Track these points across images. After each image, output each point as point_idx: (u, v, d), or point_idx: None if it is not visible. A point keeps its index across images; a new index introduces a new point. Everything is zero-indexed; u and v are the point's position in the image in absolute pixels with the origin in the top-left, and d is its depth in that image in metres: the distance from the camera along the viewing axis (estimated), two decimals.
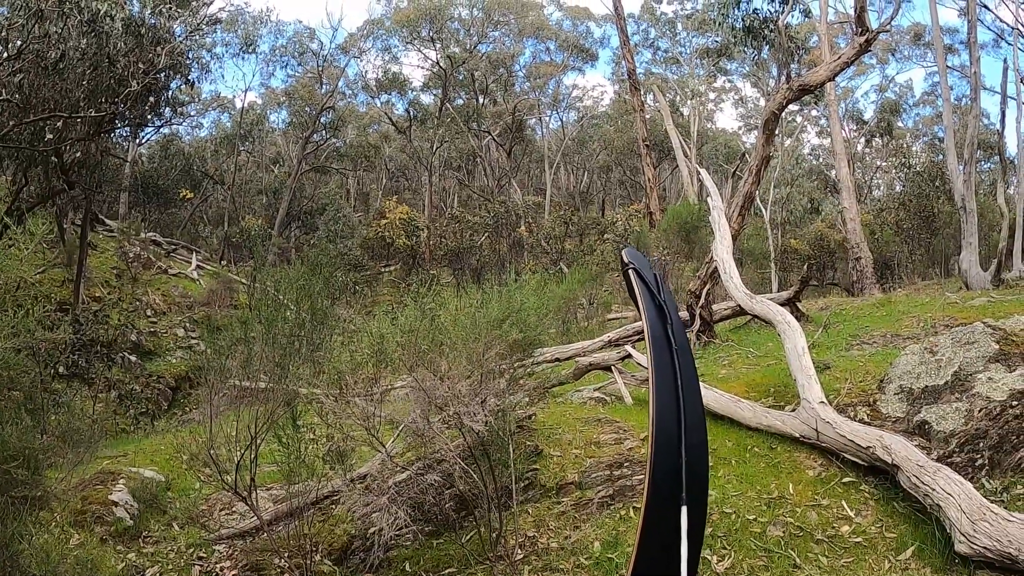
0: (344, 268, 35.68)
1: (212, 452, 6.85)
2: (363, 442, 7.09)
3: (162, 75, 20.74)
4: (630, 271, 2.97)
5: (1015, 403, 7.68)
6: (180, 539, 8.17)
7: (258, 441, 7.01)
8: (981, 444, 7.57)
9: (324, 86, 52.26)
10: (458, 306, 7.53)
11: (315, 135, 50.95)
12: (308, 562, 6.84)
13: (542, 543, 7.03)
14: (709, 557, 6.53)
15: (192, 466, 7.25)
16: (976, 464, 7.50)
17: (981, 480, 7.31)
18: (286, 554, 6.93)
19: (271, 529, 7.40)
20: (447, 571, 6.81)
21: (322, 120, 50.45)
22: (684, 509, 2.35)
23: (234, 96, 58.01)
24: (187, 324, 25.46)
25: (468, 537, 7.10)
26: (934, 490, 6.43)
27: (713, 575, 6.33)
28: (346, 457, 7.03)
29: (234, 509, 8.70)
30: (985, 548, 5.79)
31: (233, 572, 7.29)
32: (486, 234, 43.88)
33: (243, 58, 47.96)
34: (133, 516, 8.52)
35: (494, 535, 6.75)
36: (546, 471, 8.01)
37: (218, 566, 7.51)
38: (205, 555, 7.76)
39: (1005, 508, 6.29)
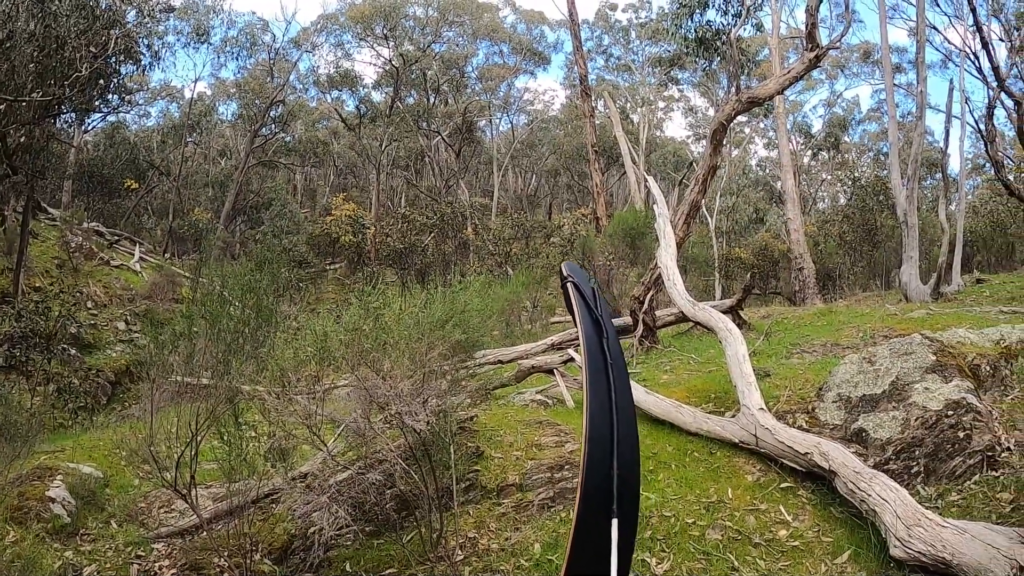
0: (289, 264, 35.42)
1: (152, 448, 6.79)
2: (305, 441, 7.05)
3: (112, 60, 20.45)
4: (568, 284, 3.00)
5: (950, 413, 7.85)
6: (118, 537, 8.07)
7: (199, 438, 6.95)
8: (917, 452, 7.75)
9: (275, 79, 51.77)
10: (402, 306, 7.51)
11: (264, 129, 50.44)
12: (248, 561, 6.78)
13: (483, 544, 7.04)
14: (648, 560, 6.58)
15: (131, 462, 7.20)
16: (912, 471, 7.66)
17: (917, 487, 7.48)
18: (226, 553, 6.87)
19: (211, 528, 7.33)
20: (388, 571, 6.78)
21: (272, 114, 50.00)
22: (615, 523, 2.38)
23: (183, 86, 57.27)
24: (128, 317, 25.08)
25: (409, 537, 7.07)
26: (870, 496, 6.57)
27: None
28: (288, 455, 6.99)
29: (173, 507, 8.61)
30: (920, 553, 5.91)
31: (172, 571, 7.21)
32: (432, 234, 43.73)
33: (195, 48, 47.18)
34: (71, 513, 8.40)
35: (435, 536, 6.74)
36: (487, 472, 8.02)
37: (156, 565, 7.42)
38: (143, 553, 7.67)
39: (940, 514, 6.42)
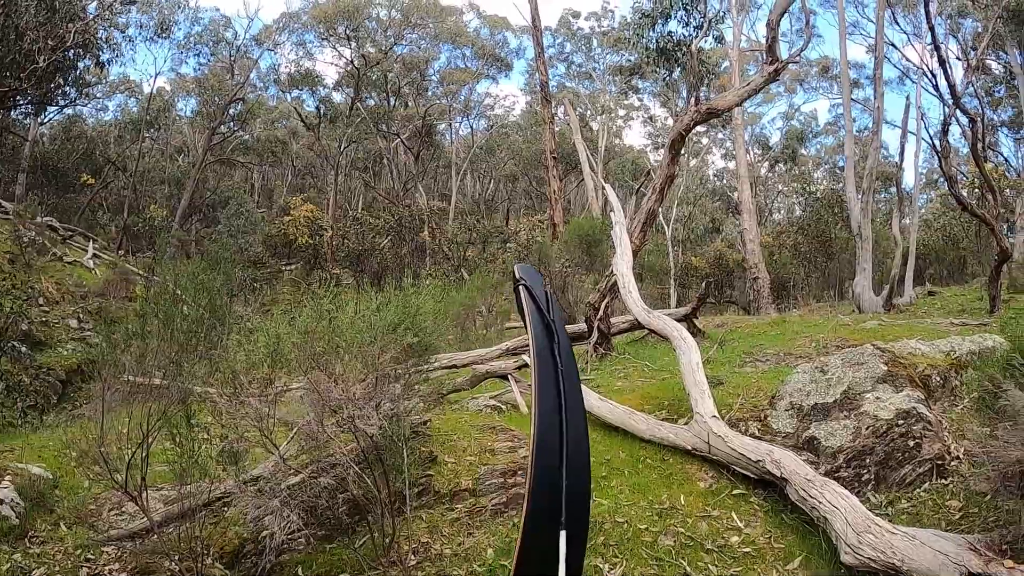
0: (244, 265, 35.12)
1: (102, 449, 6.68)
2: (257, 444, 6.98)
3: (71, 53, 20.20)
4: (521, 287, 2.96)
5: (901, 422, 7.94)
6: (68, 540, 7.92)
7: (150, 439, 6.86)
8: (868, 460, 7.84)
9: (236, 77, 51.25)
10: (356, 308, 7.45)
11: (223, 126, 49.98)
12: (199, 565, 6.69)
13: (436, 549, 7.00)
14: (601, 565, 6.58)
15: (81, 464, 7.05)
16: (862, 479, 7.76)
17: (867, 494, 7.58)
18: (176, 557, 6.76)
19: (162, 531, 7.23)
20: None
21: (231, 111, 49.52)
22: (563, 535, 2.35)
23: (142, 81, 56.57)
24: (81, 315, 24.69)
25: (361, 542, 7.02)
26: (821, 503, 6.63)
27: None
28: (239, 458, 6.91)
29: (124, 509, 8.47)
30: (870, 559, 5.97)
31: (122, 575, 7.10)
32: (389, 237, 43.59)
33: (156, 42, 46.75)
34: (19, 515, 8.22)
35: (387, 540, 6.69)
36: (441, 477, 7.98)
37: (106, 568, 7.30)
38: (93, 556, 7.53)
39: (890, 521, 6.50)
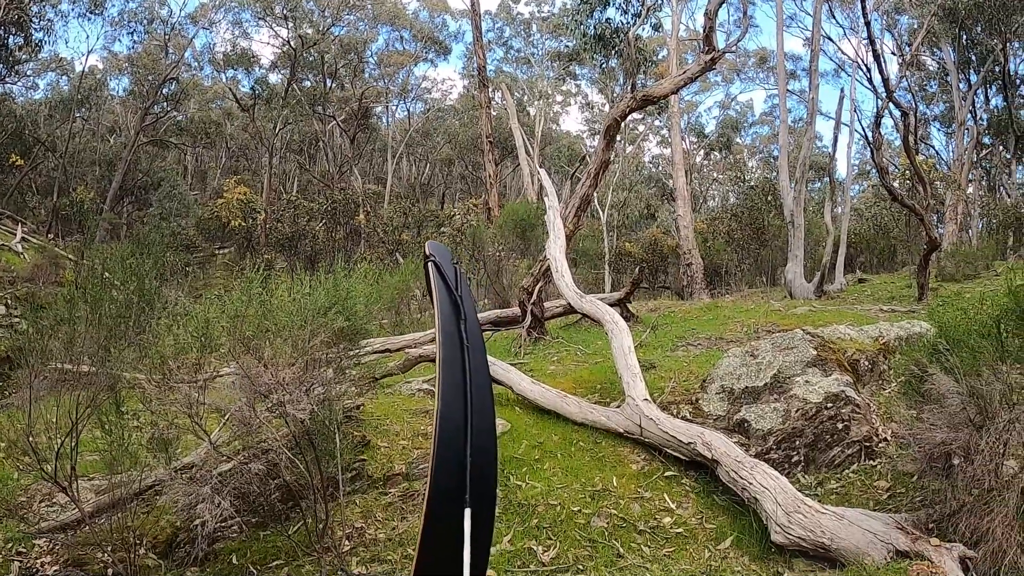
0: (177, 248, 34.60)
1: (31, 439, 6.51)
2: (188, 430, 6.86)
3: (2, 30, 19.73)
4: (430, 264, 2.92)
5: (830, 405, 8.06)
6: None
7: (79, 428, 6.70)
8: (797, 442, 7.95)
9: (170, 56, 50.36)
10: (288, 292, 7.34)
11: (156, 106, 48.96)
12: (132, 556, 6.54)
13: (370, 534, 6.94)
14: (535, 548, 6.57)
15: (10, 454, 6.87)
16: (792, 460, 7.87)
17: (797, 475, 7.72)
18: (109, 548, 6.62)
19: (93, 521, 7.07)
20: (274, 563, 6.63)
21: (164, 91, 48.58)
22: (468, 512, 2.30)
23: (74, 59, 55.46)
24: (9, 301, 24.15)
25: (295, 528, 6.93)
26: (751, 484, 6.73)
27: (539, 565, 6.35)
28: (170, 445, 6.77)
29: (55, 500, 8.28)
30: (800, 538, 6.09)
31: (54, 567, 6.93)
32: (323, 221, 43.22)
33: (89, 19, 45.69)
34: None
35: (321, 526, 6.61)
36: (374, 462, 7.91)
37: (39, 561, 7.12)
38: (25, 549, 7.35)
39: (819, 501, 6.60)
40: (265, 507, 6.91)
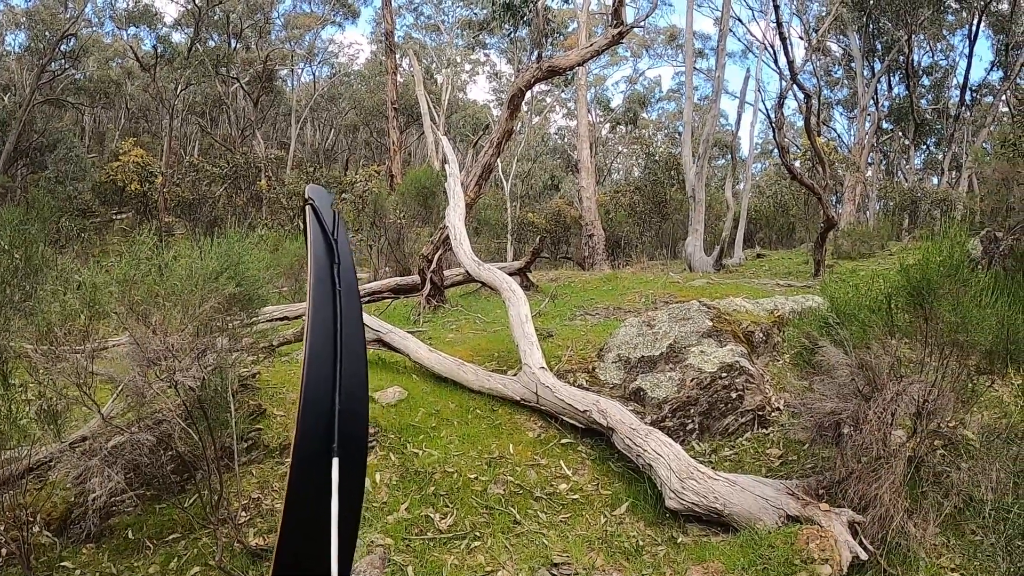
0: (72, 213, 33.69)
1: None
2: (79, 402, 6.64)
3: None
4: (308, 207, 2.84)
5: (724, 375, 8.18)
6: None
7: None
8: (692, 410, 8.05)
9: (69, 10, 48.79)
10: (179, 256, 7.13)
11: (53, 63, 47.32)
12: (26, 534, 6.32)
13: (266, 505, 6.82)
14: (432, 515, 6.55)
15: None
16: (687, 428, 7.97)
17: (691, 443, 7.83)
18: (1, 527, 6.40)
19: None
20: (171, 536, 6.47)
21: (62, 48, 47.00)
22: (336, 461, 2.23)
23: None
24: None
25: (191, 501, 6.77)
26: (646, 451, 6.80)
27: (436, 532, 6.32)
28: (60, 418, 6.54)
29: None
30: (693, 504, 6.18)
31: None
32: (225, 186, 42.42)
33: None
34: None
35: (216, 498, 6.47)
36: (270, 431, 7.78)
37: None
38: None
39: (712, 468, 6.70)
40: (159, 479, 6.74)
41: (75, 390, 6.26)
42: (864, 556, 5.34)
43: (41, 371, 6.32)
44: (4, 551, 6.29)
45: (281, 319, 13.42)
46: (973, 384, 5.99)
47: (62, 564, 6.19)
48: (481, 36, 51.79)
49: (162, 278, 6.52)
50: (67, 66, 49.67)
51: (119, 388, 6.56)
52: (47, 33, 47.37)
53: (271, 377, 8.90)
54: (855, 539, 5.44)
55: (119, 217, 42.59)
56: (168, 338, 6.14)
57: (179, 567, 6.10)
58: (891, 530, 5.48)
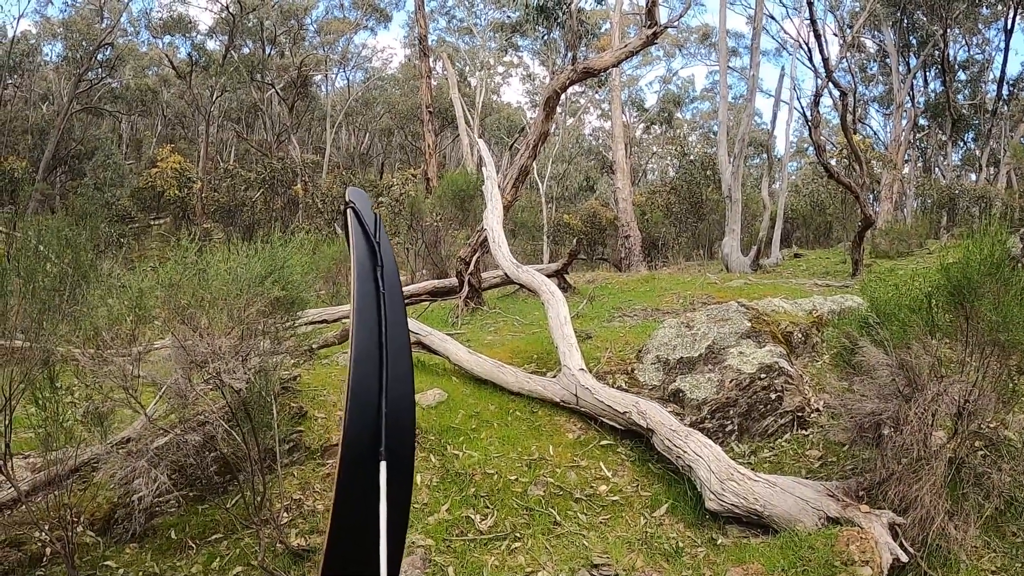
0: (112, 219, 33.97)
1: None
2: (124, 404, 6.72)
3: None
4: (349, 210, 2.85)
5: (763, 376, 8.15)
6: None
7: (13, 404, 6.54)
8: (731, 411, 8.05)
9: (105, 20, 49.26)
10: (224, 261, 7.20)
11: (90, 72, 47.79)
12: (70, 534, 6.40)
13: (308, 505, 6.88)
14: (473, 516, 6.58)
15: None
16: (726, 430, 7.96)
17: (731, 444, 7.81)
18: (47, 527, 6.48)
19: (30, 500, 6.90)
20: (213, 537, 6.54)
21: (99, 57, 47.45)
22: (383, 465, 2.25)
23: (5, 24, 54.20)
24: None
25: (233, 501, 6.84)
26: (686, 452, 6.80)
27: (476, 533, 6.35)
28: (105, 420, 6.62)
29: None
30: (733, 505, 6.17)
31: None
32: (261, 190, 42.66)
33: None
34: None
35: (259, 499, 6.52)
36: (311, 433, 7.84)
37: None
38: None
39: (752, 470, 6.69)
40: (203, 480, 6.82)
41: (121, 392, 6.34)
42: (905, 558, 5.32)
43: (88, 374, 6.40)
44: (49, 550, 6.39)
45: (320, 322, 13.50)
46: (1014, 384, 5.94)
47: (105, 563, 6.25)
48: (514, 38, 51.77)
49: (207, 282, 6.59)
50: (104, 75, 50.09)
51: (162, 390, 6.63)
52: (84, 43, 47.77)
53: (311, 379, 8.95)
54: (895, 541, 5.43)
55: (157, 222, 42.87)
56: (216, 341, 6.21)
57: (221, 567, 6.16)
58: (932, 532, 5.46)
